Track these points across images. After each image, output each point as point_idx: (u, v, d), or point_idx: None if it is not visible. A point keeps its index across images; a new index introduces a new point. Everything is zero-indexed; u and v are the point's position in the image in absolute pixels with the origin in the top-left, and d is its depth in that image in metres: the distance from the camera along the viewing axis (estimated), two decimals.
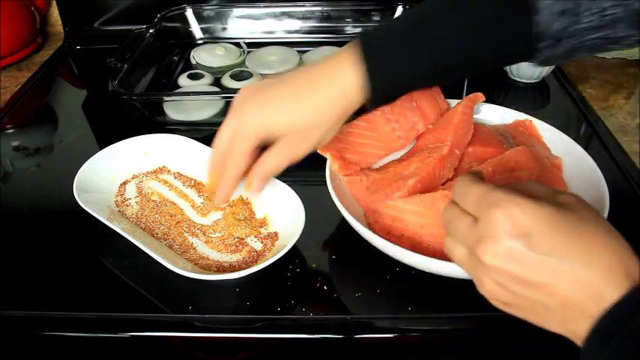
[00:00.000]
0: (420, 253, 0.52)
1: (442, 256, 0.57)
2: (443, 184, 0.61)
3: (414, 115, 0.66)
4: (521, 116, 0.72)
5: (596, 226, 0.36)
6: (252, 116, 0.54)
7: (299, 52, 1.00)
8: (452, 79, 0.57)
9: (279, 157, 0.56)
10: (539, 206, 0.36)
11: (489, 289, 0.39)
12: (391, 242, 0.54)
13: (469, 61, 0.53)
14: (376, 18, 1.05)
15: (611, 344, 0.32)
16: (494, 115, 0.74)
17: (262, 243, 0.62)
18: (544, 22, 0.48)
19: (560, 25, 0.48)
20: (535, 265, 0.36)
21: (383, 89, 0.53)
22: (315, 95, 0.53)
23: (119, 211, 0.66)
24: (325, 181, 0.62)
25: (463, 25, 0.51)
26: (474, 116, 0.68)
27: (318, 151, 0.62)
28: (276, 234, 0.62)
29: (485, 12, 0.50)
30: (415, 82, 0.56)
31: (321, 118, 0.54)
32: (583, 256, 0.35)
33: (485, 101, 0.72)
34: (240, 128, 0.55)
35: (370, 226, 0.60)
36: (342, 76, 0.53)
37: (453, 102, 0.71)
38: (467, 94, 0.70)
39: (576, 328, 0.36)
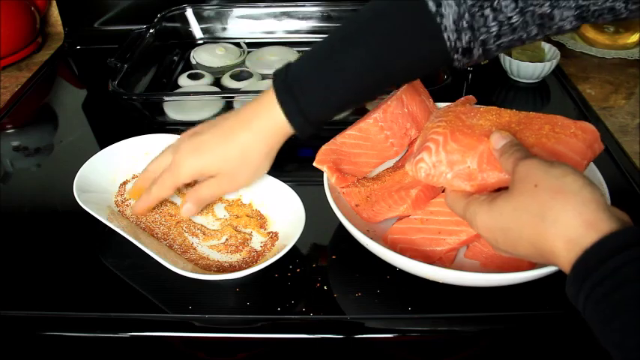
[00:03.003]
0: (429, 262, 0.53)
1: (448, 262, 0.58)
2: (444, 190, 0.61)
3: (406, 121, 0.66)
4: None
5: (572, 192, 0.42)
6: (187, 157, 0.59)
7: (299, 52, 1.00)
8: (376, 95, 0.60)
9: (213, 190, 0.61)
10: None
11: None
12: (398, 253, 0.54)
13: (387, 83, 0.56)
14: None
15: (582, 289, 0.38)
16: None
17: (262, 243, 0.62)
18: (453, 37, 0.51)
19: (470, 37, 0.50)
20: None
21: (305, 124, 0.56)
22: (240, 136, 0.57)
23: (119, 211, 0.66)
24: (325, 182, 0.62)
25: (377, 55, 0.52)
26: None
27: (315, 164, 0.62)
28: (276, 234, 0.62)
29: (396, 38, 0.52)
30: (337, 111, 0.58)
31: (249, 157, 0.58)
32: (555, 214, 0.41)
33: (484, 102, 0.72)
34: (175, 166, 0.59)
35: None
36: (265, 116, 0.56)
37: (443, 105, 0.71)
38: (466, 95, 0.70)
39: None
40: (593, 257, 0.38)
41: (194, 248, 0.62)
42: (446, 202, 0.54)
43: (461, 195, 0.51)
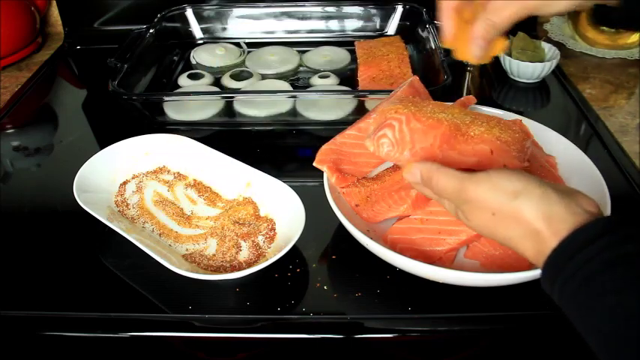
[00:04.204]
0: (429, 262, 0.53)
1: (449, 262, 0.58)
2: None
3: None
4: (512, 116, 0.72)
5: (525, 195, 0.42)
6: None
7: (299, 52, 1.00)
8: None
9: (511, 9, 0.51)
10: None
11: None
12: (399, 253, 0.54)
13: None
14: (376, 18, 1.06)
15: (555, 287, 0.40)
16: None
17: (262, 243, 0.62)
18: None
19: None
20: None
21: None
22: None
23: (119, 211, 0.66)
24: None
25: None
26: None
27: (315, 164, 0.62)
28: (276, 234, 0.62)
29: None
30: None
31: None
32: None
33: (485, 102, 0.72)
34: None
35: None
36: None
37: None
38: (467, 95, 0.70)
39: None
40: (554, 262, 0.40)
41: (194, 248, 0.62)
42: (413, 185, 0.52)
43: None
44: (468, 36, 0.55)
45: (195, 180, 0.71)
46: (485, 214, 0.44)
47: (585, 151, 0.66)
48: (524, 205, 0.42)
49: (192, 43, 1.06)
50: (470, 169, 0.47)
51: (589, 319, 0.37)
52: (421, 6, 0.99)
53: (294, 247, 0.57)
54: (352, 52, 0.99)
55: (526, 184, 0.43)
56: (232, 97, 0.85)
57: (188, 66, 1.00)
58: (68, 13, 1.11)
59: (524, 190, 0.43)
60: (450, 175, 0.47)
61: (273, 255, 0.56)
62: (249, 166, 0.67)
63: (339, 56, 0.99)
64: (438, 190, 0.48)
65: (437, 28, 0.92)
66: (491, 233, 0.45)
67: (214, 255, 0.61)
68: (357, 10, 1.05)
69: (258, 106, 0.84)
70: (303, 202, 0.61)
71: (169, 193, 0.69)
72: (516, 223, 0.43)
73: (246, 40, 1.05)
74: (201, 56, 1.00)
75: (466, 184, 0.45)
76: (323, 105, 0.84)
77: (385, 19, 1.05)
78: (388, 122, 0.53)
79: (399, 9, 1.04)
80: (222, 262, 0.60)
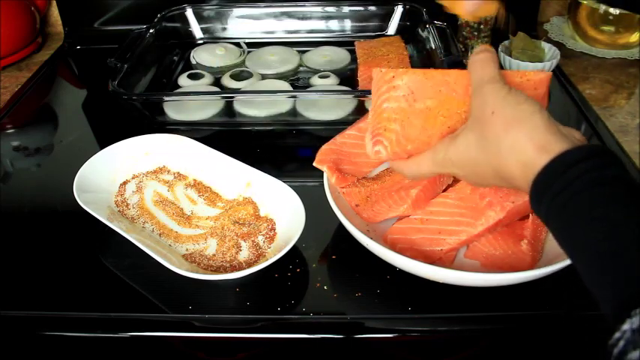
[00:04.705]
0: (429, 262, 0.53)
1: (448, 262, 0.58)
2: (444, 190, 0.61)
3: None
4: None
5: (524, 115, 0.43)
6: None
7: (299, 52, 1.00)
8: None
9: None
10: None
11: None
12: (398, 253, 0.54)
13: None
14: (376, 18, 1.05)
15: (543, 202, 0.40)
16: None
17: (262, 243, 0.62)
18: None
19: None
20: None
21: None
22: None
23: (119, 211, 0.67)
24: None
25: None
26: None
27: (315, 164, 0.62)
28: (276, 234, 0.62)
29: None
30: None
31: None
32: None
33: None
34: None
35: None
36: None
37: None
38: None
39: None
40: (545, 177, 0.40)
41: (194, 248, 0.62)
42: (406, 175, 0.54)
43: (415, 159, 0.51)
44: None
45: (195, 180, 0.71)
46: (487, 111, 0.45)
47: None
48: (525, 111, 0.43)
49: (192, 43, 1.06)
50: None
51: (574, 234, 0.38)
52: (421, 6, 0.99)
53: (294, 247, 0.57)
54: (352, 52, 0.99)
55: (530, 99, 0.44)
56: (232, 97, 0.85)
57: (188, 66, 1.00)
58: (68, 13, 1.11)
59: (527, 102, 0.44)
60: (493, 68, 0.48)
61: (273, 255, 0.56)
62: (249, 166, 0.67)
63: (339, 56, 0.99)
64: (476, 76, 0.48)
65: (437, 28, 0.92)
66: (484, 137, 0.45)
67: (214, 255, 0.61)
68: (357, 10, 1.05)
69: (258, 106, 0.84)
70: (303, 202, 0.61)
71: (169, 193, 0.69)
72: (510, 125, 0.43)
73: (246, 40, 1.05)
74: (201, 56, 1.00)
75: (494, 75, 0.47)
76: (323, 105, 0.84)
77: (385, 19, 1.05)
78: (379, 139, 0.52)
79: (399, 9, 1.04)
80: (222, 262, 0.60)
